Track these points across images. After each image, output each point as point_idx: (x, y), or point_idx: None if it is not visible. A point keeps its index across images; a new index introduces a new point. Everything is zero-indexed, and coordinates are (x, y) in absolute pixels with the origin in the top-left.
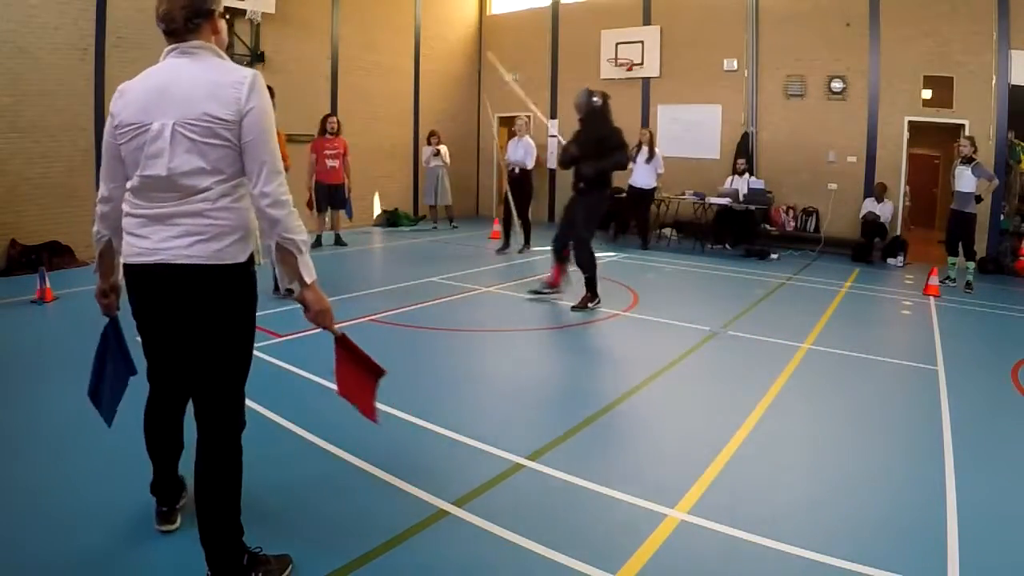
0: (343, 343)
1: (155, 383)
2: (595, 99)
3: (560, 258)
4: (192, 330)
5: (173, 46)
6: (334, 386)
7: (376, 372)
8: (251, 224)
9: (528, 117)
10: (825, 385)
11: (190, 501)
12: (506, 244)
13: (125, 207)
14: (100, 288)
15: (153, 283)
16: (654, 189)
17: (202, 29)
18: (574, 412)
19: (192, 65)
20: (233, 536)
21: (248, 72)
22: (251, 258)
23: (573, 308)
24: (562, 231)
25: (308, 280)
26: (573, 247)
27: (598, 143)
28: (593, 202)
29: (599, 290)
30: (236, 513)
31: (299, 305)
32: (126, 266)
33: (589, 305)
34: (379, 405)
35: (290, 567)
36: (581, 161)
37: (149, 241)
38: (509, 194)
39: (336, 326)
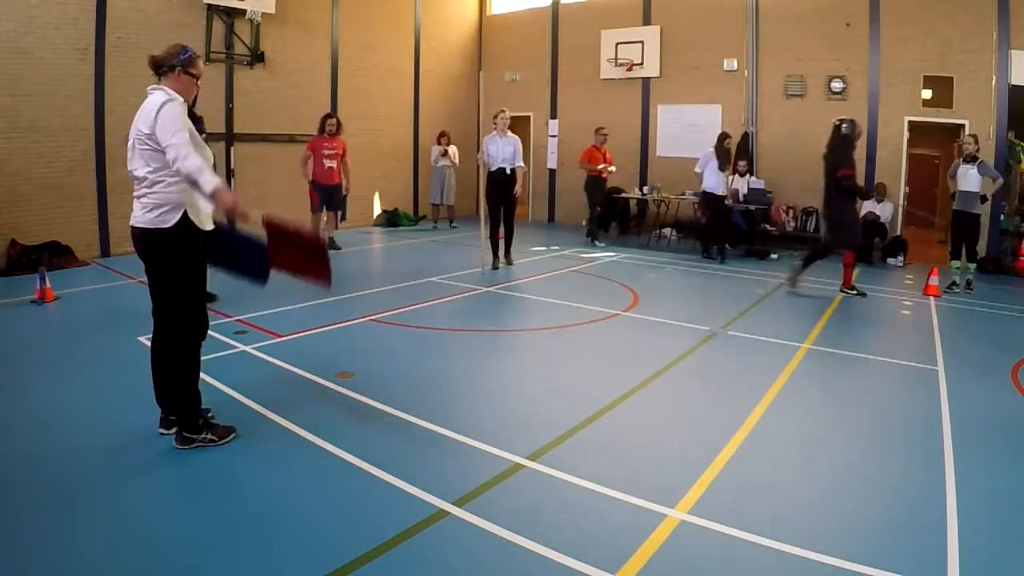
0: (271, 226)
1: (154, 316)
2: (844, 130)
3: (855, 254)
4: (148, 270)
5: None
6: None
7: (315, 242)
8: (173, 201)
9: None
10: (825, 385)
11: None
12: (496, 257)
13: None
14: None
15: (133, 240)
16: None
17: (167, 76)
18: (574, 412)
19: (147, 100)
20: (186, 403)
21: (160, 100)
22: (181, 227)
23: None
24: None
25: (208, 189)
26: (822, 245)
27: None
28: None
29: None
30: (188, 389)
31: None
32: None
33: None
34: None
35: (232, 435)
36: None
37: (133, 213)
38: (491, 198)
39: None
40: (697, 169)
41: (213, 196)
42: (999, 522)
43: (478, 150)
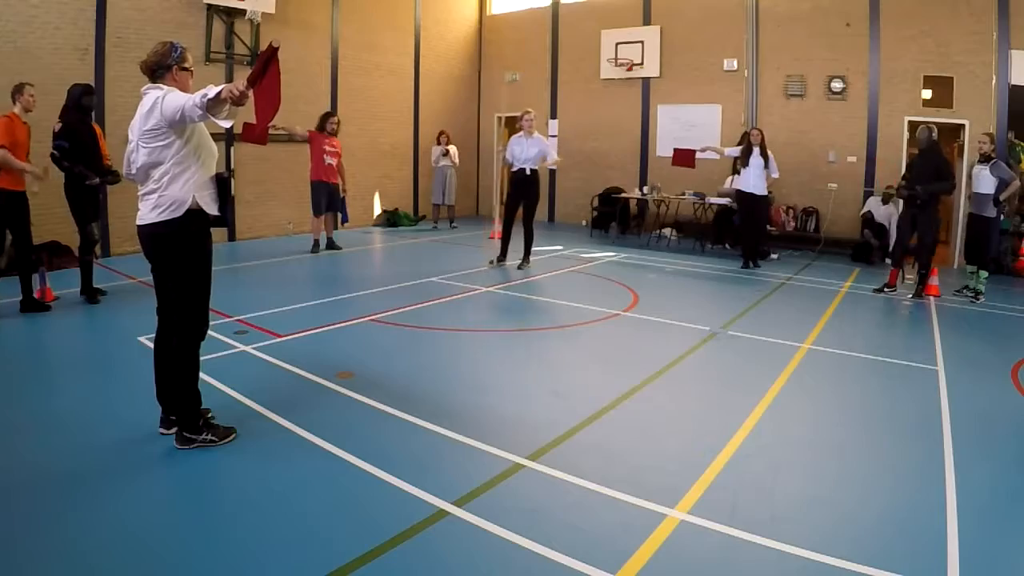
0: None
1: (158, 314)
2: (934, 136)
3: (897, 264)
4: (154, 269)
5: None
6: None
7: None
8: (177, 198)
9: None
10: (825, 385)
11: None
12: (503, 256)
13: None
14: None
15: (140, 239)
16: (766, 196)
17: (164, 77)
18: (574, 412)
19: (144, 99)
20: (185, 403)
21: (158, 94)
22: (186, 224)
23: (913, 296)
24: (900, 241)
25: (212, 95)
26: (920, 250)
27: (936, 170)
28: (932, 214)
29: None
30: (188, 389)
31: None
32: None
33: (923, 295)
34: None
35: (232, 435)
36: (918, 184)
37: (139, 213)
38: (511, 198)
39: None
40: (728, 152)
41: (223, 98)
42: (999, 522)
43: (478, 149)
